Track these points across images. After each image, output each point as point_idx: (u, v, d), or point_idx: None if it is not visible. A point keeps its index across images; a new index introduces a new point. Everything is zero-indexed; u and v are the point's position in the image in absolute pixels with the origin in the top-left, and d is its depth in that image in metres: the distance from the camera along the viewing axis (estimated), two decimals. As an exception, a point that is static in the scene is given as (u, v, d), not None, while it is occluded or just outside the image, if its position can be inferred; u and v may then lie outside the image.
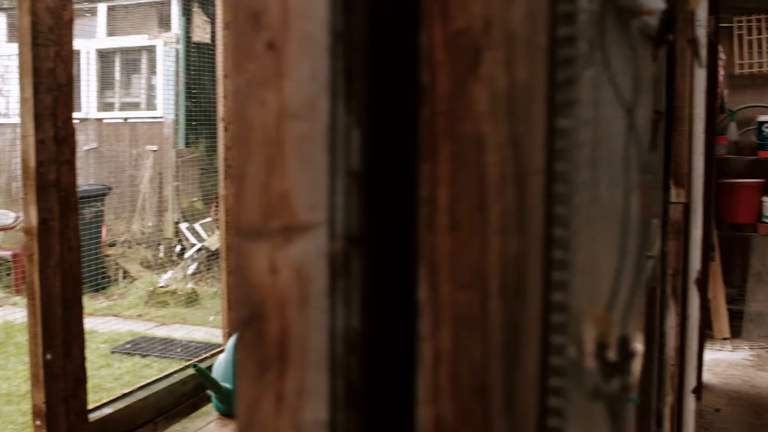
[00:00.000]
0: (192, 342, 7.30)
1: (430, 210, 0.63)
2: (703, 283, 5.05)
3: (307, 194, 0.66)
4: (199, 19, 10.49)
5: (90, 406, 2.84)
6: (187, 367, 3.44)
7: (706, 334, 6.67)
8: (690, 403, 4.39)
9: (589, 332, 0.76)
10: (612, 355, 0.78)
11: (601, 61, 0.72)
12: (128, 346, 7.25)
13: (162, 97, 10.60)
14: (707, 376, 5.86)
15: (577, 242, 0.68)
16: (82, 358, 2.68)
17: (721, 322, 6.62)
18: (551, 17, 0.65)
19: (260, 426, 0.69)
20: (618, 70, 0.74)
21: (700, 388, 5.24)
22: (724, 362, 6.20)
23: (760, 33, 6.74)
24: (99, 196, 9.33)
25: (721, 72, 6.44)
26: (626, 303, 0.78)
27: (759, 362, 6.21)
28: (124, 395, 3.25)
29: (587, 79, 0.70)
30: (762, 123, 6.58)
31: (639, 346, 0.77)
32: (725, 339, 6.63)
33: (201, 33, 10.46)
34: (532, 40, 0.62)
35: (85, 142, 10.69)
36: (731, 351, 6.45)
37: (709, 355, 6.33)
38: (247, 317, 0.69)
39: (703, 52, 3.04)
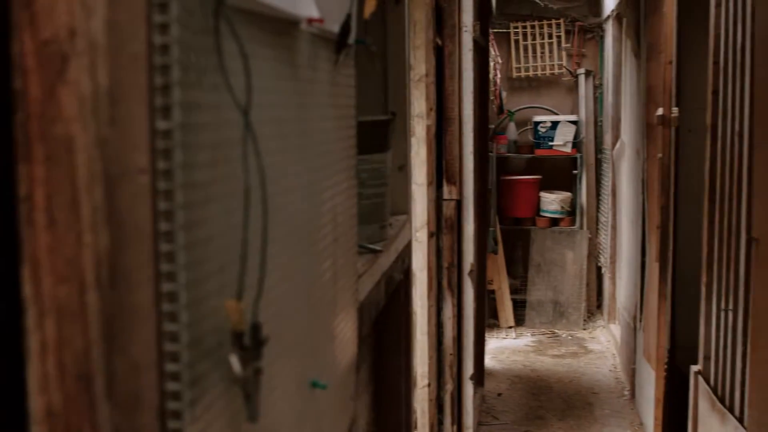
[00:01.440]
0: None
1: (29, 208, 0.67)
2: (480, 275, 5.32)
3: None
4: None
5: None
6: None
7: (493, 323, 7.03)
8: (469, 390, 4.62)
9: (220, 320, 0.82)
10: (246, 341, 0.84)
11: (217, 67, 0.78)
12: None
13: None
14: (492, 363, 6.18)
15: (186, 236, 0.73)
16: None
17: (506, 312, 6.99)
18: (148, 27, 0.69)
19: None
20: (235, 74, 0.80)
21: (482, 375, 5.51)
22: (508, 349, 6.55)
23: (534, 38, 7.17)
24: None
25: (498, 74, 6.81)
26: (255, 293, 0.84)
27: (539, 347, 6.60)
28: None
29: (200, 84, 0.76)
30: (538, 123, 7.00)
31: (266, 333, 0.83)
32: (510, 327, 7.01)
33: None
34: (120, 48, 0.67)
35: None
36: (515, 338, 6.82)
37: (494, 343, 6.67)
38: None
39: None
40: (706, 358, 3.31)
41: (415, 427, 4.03)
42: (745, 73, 2.77)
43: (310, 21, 1.08)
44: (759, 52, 2.52)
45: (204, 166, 0.77)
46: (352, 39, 1.31)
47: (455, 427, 4.51)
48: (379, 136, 1.94)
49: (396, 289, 2.30)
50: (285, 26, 1.02)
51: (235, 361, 0.83)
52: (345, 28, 1.22)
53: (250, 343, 0.83)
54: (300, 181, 1.08)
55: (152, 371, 0.73)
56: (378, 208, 1.97)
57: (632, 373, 5.35)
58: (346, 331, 1.44)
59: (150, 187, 0.71)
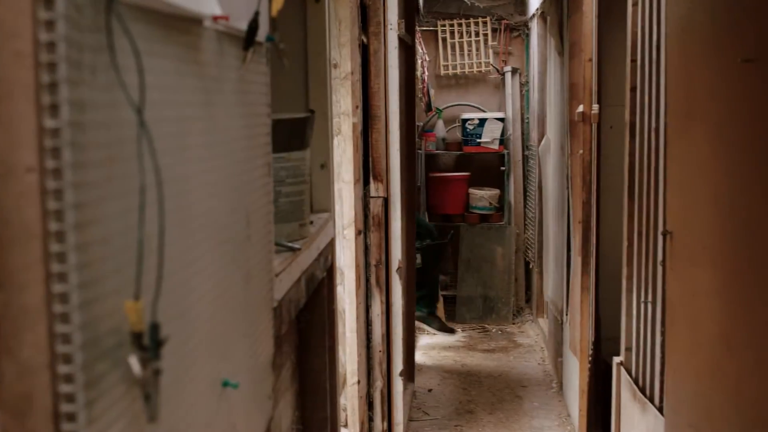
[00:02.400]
0: None
1: None
2: (409, 272, 5.34)
3: None
4: None
5: None
6: None
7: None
8: (399, 386, 4.64)
9: (117, 321, 0.81)
10: (145, 341, 0.83)
11: (110, 65, 0.77)
12: None
13: None
14: (423, 359, 6.22)
15: (78, 236, 0.72)
16: None
17: (438, 308, 7.03)
18: (33, 24, 0.68)
19: None
20: (130, 72, 0.79)
21: (412, 372, 5.54)
22: (439, 345, 6.60)
23: (461, 36, 7.23)
24: None
25: (426, 72, 6.84)
26: (153, 292, 0.83)
27: (470, 343, 6.67)
28: None
29: (92, 81, 0.75)
30: (465, 120, 7.06)
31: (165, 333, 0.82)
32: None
33: None
34: (2, 45, 0.66)
35: None
36: (446, 334, 6.86)
37: (425, 339, 6.71)
38: None
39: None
40: (628, 349, 3.38)
41: (346, 425, 4.03)
42: (661, 71, 2.84)
43: (216, 18, 1.08)
44: (671, 51, 2.58)
45: (97, 165, 0.76)
46: (261, 36, 1.31)
47: (385, 423, 4.52)
48: (297, 133, 1.94)
49: (318, 287, 2.30)
50: (186, 23, 1.01)
51: (134, 362, 0.82)
52: (253, 25, 1.22)
53: (149, 344, 0.82)
54: (206, 179, 1.08)
55: (44, 373, 0.72)
56: (298, 206, 1.96)
57: (560, 366, 5.44)
58: (261, 330, 1.44)
59: (39, 187, 0.70)
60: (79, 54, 0.72)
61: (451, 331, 6.59)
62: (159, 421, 0.87)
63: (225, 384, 1.16)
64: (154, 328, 0.82)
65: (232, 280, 1.22)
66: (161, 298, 0.84)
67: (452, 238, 6.87)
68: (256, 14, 1.22)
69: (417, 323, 6.45)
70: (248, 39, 1.22)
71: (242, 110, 1.28)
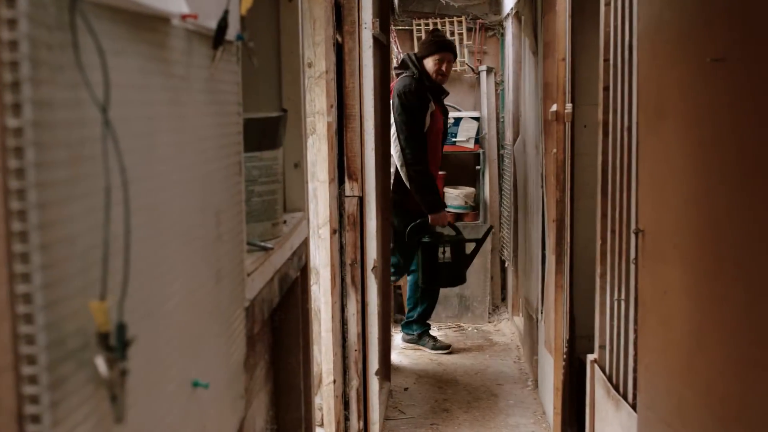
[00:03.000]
0: None
1: None
2: (385, 271, 5.34)
3: None
4: None
5: None
6: None
7: (401, 319, 7.07)
8: (374, 385, 4.63)
9: (83, 322, 0.80)
10: (111, 342, 0.82)
11: (74, 64, 0.76)
12: None
13: None
14: (399, 359, 6.22)
15: (42, 236, 0.72)
16: None
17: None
18: (-5, 22, 0.68)
19: None
20: (95, 71, 0.79)
21: (388, 371, 5.54)
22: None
23: (437, 35, 7.24)
24: None
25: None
26: (120, 292, 0.83)
27: (446, 341, 6.67)
28: None
29: (56, 80, 0.74)
30: (441, 119, 7.07)
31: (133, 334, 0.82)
32: (417, 322, 7.04)
33: None
34: (-37, 43, 0.65)
35: None
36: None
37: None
38: None
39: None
40: (602, 347, 3.40)
41: (321, 424, 4.03)
42: (633, 70, 2.86)
43: (184, 17, 1.07)
44: (642, 50, 2.60)
45: (61, 165, 0.75)
46: (231, 35, 1.30)
47: (362, 422, 4.52)
48: (269, 133, 1.93)
49: (292, 286, 2.29)
50: (153, 21, 1.00)
51: (101, 363, 0.82)
52: (222, 24, 1.21)
53: (116, 344, 0.82)
54: (175, 178, 1.07)
55: (8, 374, 0.72)
56: (270, 206, 1.96)
57: (535, 364, 5.46)
58: (233, 330, 1.43)
59: (1, 186, 0.69)
60: (42, 52, 0.71)
61: (447, 348, 6.43)
62: (126, 422, 0.87)
63: (195, 384, 1.16)
64: (121, 328, 0.82)
65: (202, 280, 1.22)
66: (128, 298, 0.84)
67: (487, 235, 6.31)
68: (226, 13, 1.22)
69: (411, 345, 6.41)
70: (217, 37, 1.21)
71: (212, 109, 1.28)
